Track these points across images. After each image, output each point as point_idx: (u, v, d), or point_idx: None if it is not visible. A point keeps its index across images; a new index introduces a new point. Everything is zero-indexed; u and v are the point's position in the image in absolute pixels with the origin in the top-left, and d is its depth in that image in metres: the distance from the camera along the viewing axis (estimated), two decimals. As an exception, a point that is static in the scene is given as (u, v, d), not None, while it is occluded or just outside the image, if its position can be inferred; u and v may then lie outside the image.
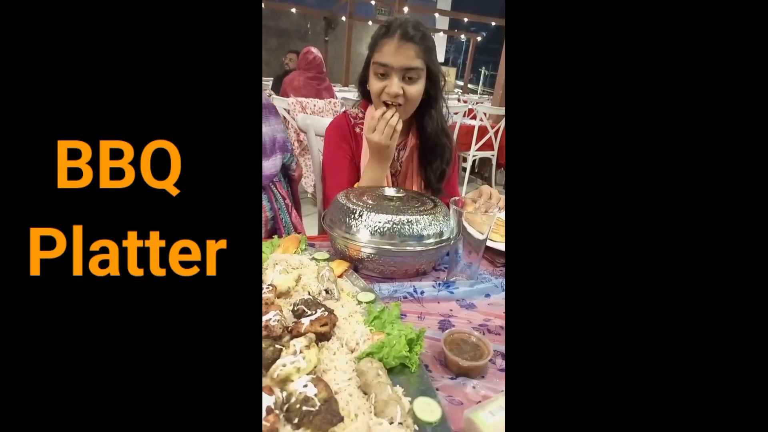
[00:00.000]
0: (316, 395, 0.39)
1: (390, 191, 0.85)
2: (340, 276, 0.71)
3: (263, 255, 0.75)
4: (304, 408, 0.38)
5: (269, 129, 1.06)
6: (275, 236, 0.85)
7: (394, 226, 0.71)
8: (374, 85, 0.99)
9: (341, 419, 0.39)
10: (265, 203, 0.97)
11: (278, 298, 0.62)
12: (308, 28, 9.03)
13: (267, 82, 4.09)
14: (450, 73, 7.82)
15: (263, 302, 0.56)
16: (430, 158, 1.09)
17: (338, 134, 1.12)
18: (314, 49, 2.96)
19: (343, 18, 8.13)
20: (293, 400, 0.39)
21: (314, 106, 2.80)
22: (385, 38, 0.97)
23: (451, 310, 0.66)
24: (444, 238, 0.74)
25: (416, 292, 0.70)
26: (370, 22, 8.14)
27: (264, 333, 0.49)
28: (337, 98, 3.03)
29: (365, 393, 0.44)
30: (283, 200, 1.07)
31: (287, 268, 0.69)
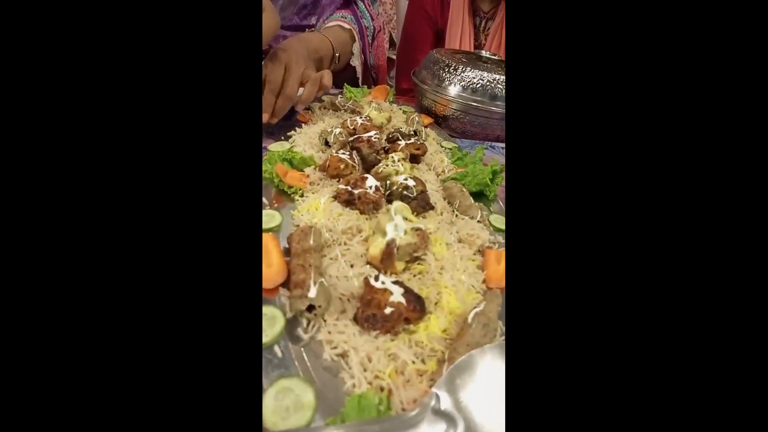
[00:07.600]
0: (414, 186, 0.47)
1: (485, 53, 0.84)
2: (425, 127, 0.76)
3: (353, 97, 0.81)
4: (404, 193, 0.47)
5: None
6: (364, 86, 0.90)
7: (487, 84, 0.73)
8: None
9: (432, 208, 0.48)
10: None
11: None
12: None
13: None
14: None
15: (362, 128, 0.63)
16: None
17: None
18: None
19: None
20: (395, 188, 0.48)
21: None
22: None
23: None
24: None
25: (493, 148, 0.74)
26: None
27: (366, 146, 0.57)
28: None
29: (450, 204, 0.52)
30: None
31: (380, 108, 0.74)
